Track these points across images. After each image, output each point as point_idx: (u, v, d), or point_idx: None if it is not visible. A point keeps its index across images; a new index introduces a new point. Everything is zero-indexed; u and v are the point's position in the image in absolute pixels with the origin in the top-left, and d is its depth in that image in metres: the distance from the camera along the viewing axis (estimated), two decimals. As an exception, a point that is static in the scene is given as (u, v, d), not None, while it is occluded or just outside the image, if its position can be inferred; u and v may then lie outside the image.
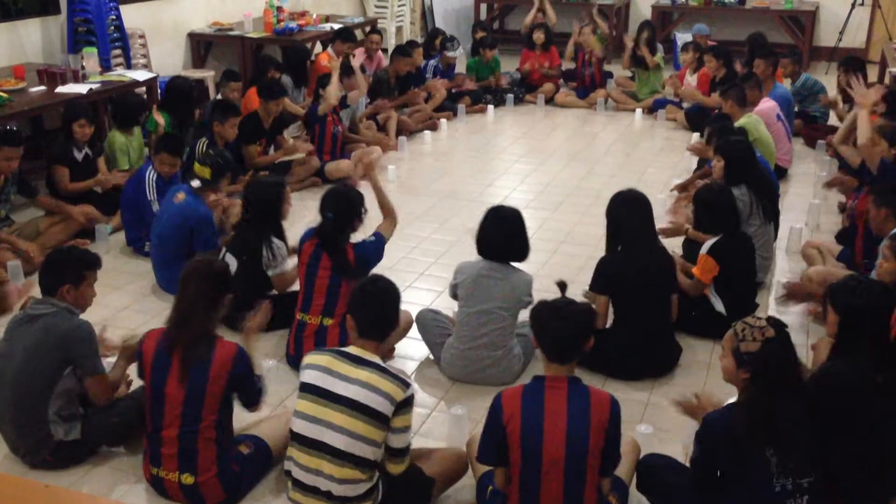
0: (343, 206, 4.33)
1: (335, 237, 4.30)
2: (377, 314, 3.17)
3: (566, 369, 3.03)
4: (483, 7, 13.10)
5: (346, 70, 7.42)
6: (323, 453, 3.07)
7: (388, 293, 3.24)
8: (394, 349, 4.56)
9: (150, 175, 5.64)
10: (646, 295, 4.29)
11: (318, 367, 3.13)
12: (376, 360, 3.13)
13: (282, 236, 4.77)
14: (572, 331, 3.00)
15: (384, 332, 3.19)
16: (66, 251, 3.84)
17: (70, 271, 3.60)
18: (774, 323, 2.99)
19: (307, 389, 3.12)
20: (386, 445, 3.11)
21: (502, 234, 4.23)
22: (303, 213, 6.03)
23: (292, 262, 4.72)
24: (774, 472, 2.85)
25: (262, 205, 4.73)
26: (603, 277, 4.34)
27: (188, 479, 3.33)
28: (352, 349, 3.17)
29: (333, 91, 7.12)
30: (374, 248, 4.45)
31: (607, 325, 4.40)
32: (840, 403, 3.11)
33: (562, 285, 3.23)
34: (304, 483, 3.14)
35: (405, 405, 3.07)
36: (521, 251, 4.27)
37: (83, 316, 3.65)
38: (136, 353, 3.48)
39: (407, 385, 3.09)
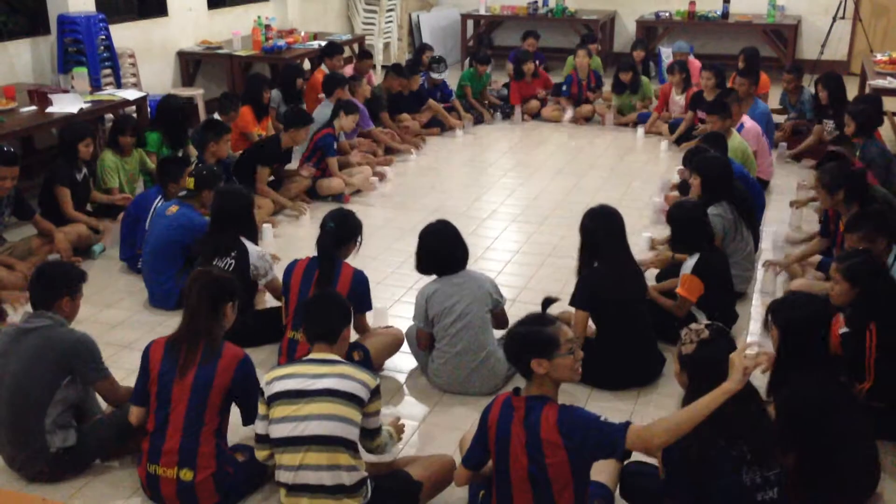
0: (345, 222, 4.48)
1: (332, 248, 4.40)
2: (323, 323, 3.37)
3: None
4: (470, 23, 13.23)
5: (349, 108, 7.49)
6: (306, 445, 3.17)
7: (328, 303, 3.47)
8: (382, 366, 4.63)
9: (158, 202, 5.62)
10: (626, 307, 4.38)
11: (288, 376, 3.26)
12: (339, 358, 3.34)
13: (256, 242, 4.91)
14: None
15: (332, 336, 3.37)
16: (58, 265, 3.95)
17: (67, 284, 3.72)
18: (715, 329, 3.10)
19: (280, 397, 3.23)
20: (362, 428, 3.27)
21: (445, 247, 4.42)
22: (292, 231, 6.09)
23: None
24: (741, 466, 2.93)
25: (234, 213, 4.82)
26: (585, 292, 4.38)
27: (187, 474, 3.40)
28: (313, 355, 3.34)
29: (350, 123, 7.52)
30: (366, 290, 4.48)
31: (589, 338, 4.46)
32: (811, 424, 3.21)
33: (545, 303, 3.27)
34: (293, 484, 3.22)
35: (377, 392, 3.29)
36: (465, 256, 4.48)
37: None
38: (143, 356, 3.55)
39: (375, 375, 3.34)
